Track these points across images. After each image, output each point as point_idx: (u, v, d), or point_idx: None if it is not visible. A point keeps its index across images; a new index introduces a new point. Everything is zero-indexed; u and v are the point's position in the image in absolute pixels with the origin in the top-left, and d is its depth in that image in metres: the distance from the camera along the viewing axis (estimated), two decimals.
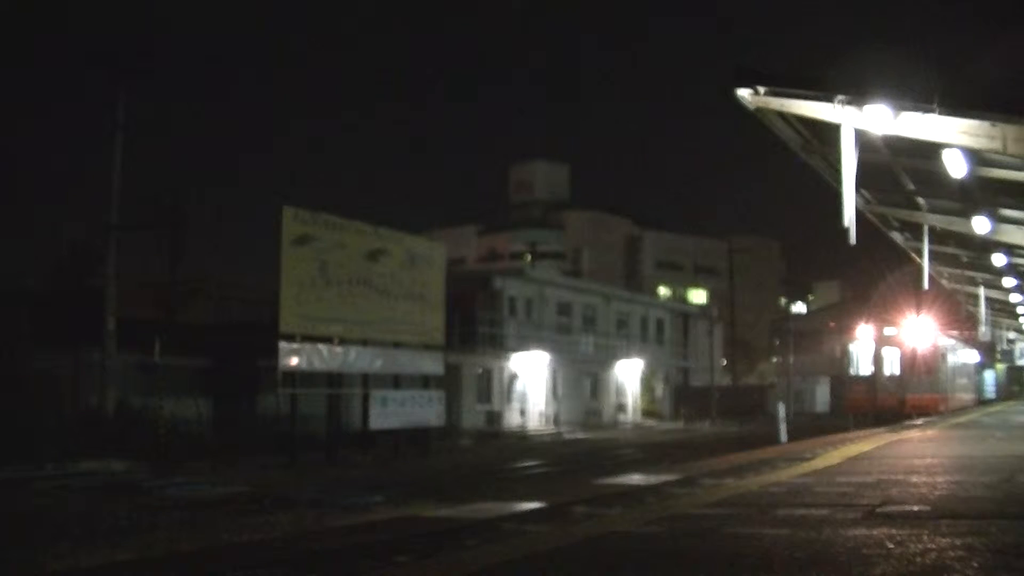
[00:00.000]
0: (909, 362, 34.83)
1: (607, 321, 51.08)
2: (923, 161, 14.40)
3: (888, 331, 35.58)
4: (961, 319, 43.89)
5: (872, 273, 54.09)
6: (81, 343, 26.44)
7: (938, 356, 35.42)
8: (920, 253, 22.52)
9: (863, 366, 35.94)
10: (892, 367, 35.24)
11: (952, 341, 40.18)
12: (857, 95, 11.21)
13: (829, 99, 11.44)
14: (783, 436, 26.57)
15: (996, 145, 10.84)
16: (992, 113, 10.50)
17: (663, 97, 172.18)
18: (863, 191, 17.90)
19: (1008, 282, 28.41)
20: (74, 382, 26.32)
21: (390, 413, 27.51)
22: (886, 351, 35.38)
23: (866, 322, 36.67)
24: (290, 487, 18.82)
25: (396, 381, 28.83)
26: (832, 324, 59.16)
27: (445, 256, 32.70)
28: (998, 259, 22.89)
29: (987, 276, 29.31)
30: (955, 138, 11.25)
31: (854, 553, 6.57)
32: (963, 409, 39.51)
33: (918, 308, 36.42)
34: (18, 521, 14.26)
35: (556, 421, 43.43)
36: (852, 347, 36.47)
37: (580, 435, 40.38)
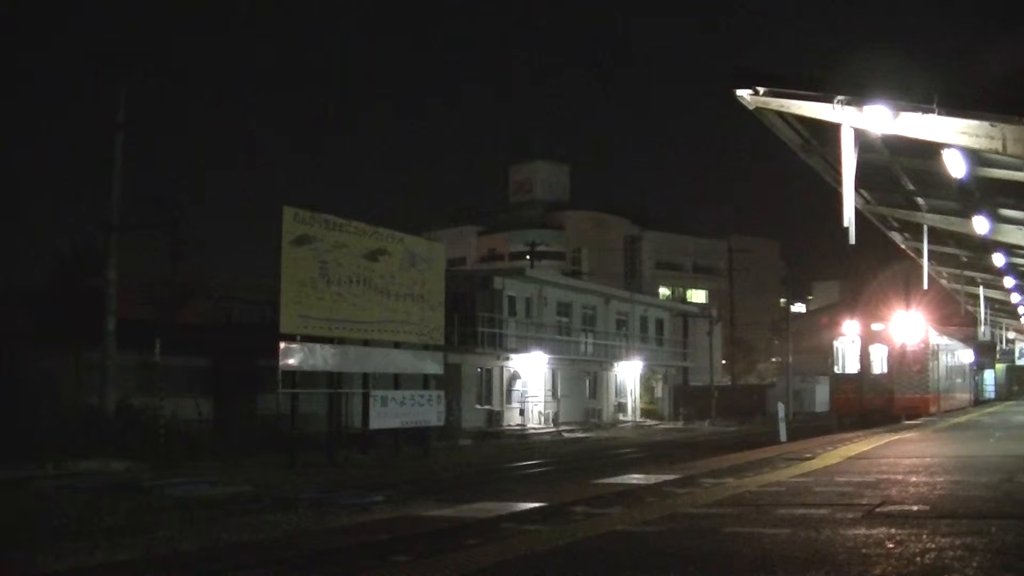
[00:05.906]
0: (898, 360, 32.84)
1: (607, 321, 51.06)
2: (922, 161, 14.41)
3: (876, 327, 33.47)
4: (958, 317, 43.18)
5: (871, 273, 54.17)
6: (81, 343, 26.45)
7: (929, 354, 33.35)
8: (920, 253, 22.51)
9: (850, 364, 33.76)
10: (881, 365, 33.21)
11: (945, 339, 38.51)
12: (856, 95, 11.20)
13: (828, 99, 11.43)
14: (783, 436, 26.54)
15: (995, 145, 10.83)
16: (991, 113, 10.49)
17: (662, 97, 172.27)
18: (863, 191, 17.91)
19: (1008, 282, 28.39)
20: (74, 382, 26.33)
21: (390, 413, 27.54)
22: (875, 348, 33.36)
23: (853, 317, 34.66)
24: (290, 487, 18.86)
25: (396, 381, 28.85)
26: (825, 320, 58.83)
27: (445, 256, 32.72)
28: (998, 259, 22.88)
29: (987, 276, 29.29)
30: (954, 138, 11.24)
31: (854, 553, 6.58)
32: (958, 410, 38.20)
33: (907, 303, 35.38)
34: (18, 521, 14.26)
35: (556, 421, 43.43)
36: (837, 343, 34.10)
37: (580, 435, 40.40)
